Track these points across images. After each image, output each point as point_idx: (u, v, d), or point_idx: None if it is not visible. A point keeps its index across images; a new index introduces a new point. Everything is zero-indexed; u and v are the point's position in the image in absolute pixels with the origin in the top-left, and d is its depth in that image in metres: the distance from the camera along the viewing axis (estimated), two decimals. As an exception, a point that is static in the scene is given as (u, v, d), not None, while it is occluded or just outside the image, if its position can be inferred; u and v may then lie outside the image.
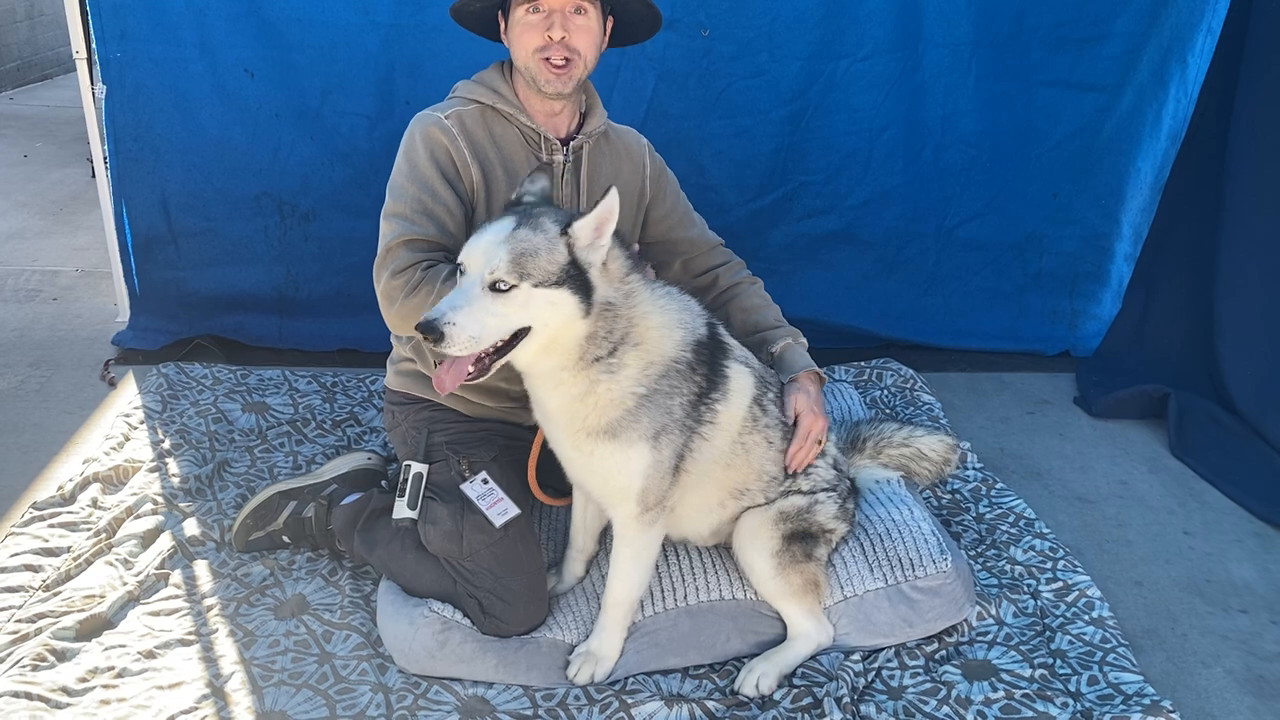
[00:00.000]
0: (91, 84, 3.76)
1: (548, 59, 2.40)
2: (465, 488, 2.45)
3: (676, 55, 3.88)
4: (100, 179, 3.92)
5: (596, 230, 2.01)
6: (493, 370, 2.03)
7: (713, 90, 3.97)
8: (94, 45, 3.68)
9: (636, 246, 2.52)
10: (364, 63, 3.78)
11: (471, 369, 2.02)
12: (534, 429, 2.52)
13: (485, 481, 2.47)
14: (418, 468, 2.50)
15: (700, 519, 2.46)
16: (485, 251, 1.97)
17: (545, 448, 2.46)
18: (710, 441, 2.29)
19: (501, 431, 2.63)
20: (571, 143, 2.56)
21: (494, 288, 1.95)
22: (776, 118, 4.03)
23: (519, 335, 2.01)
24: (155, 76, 3.73)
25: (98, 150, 3.86)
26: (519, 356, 2.05)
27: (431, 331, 1.91)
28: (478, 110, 2.50)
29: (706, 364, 2.24)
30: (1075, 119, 4.17)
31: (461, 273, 2.01)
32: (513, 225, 2.00)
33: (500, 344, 2.01)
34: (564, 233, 2.00)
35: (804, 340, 2.73)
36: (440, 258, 2.37)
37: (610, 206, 1.99)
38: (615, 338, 2.10)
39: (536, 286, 1.97)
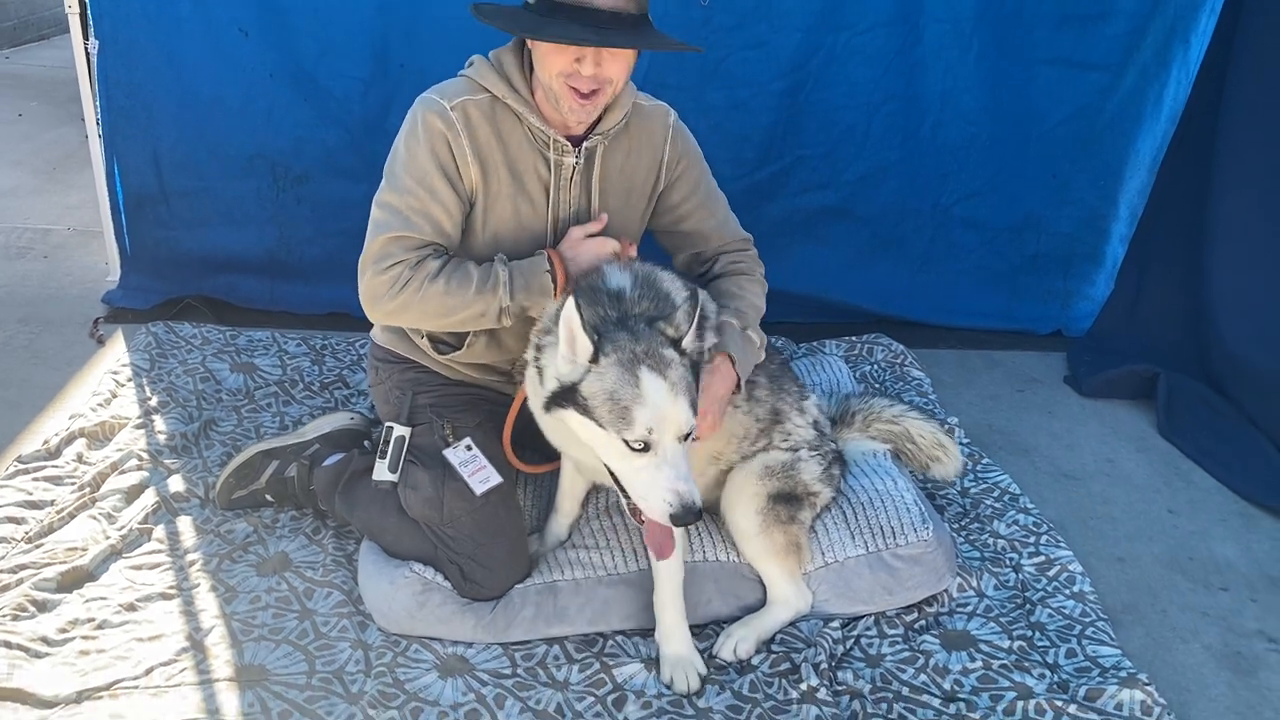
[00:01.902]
0: (85, 39, 3.73)
1: (573, 86, 2.23)
2: (448, 453, 2.43)
3: (674, 25, 3.74)
4: (91, 134, 3.89)
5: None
6: None
7: (711, 61, 3.92)
8: (87, -1, 3.65)
9: (634, 252, 2.40)
10: (359, 25, 3.73)
11: None
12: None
13: (469, 448, 2.46)
14: (400, 431, 2.48)
15: None
16: (675, 419, 1.94)
17: (520, 417, 2.45)
18: None
19: (486, 397, 2.61)
20: (585, 143, 2.39)
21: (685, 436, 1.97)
22: (775, 90, 3.99)
23: None
24: (148, 33, 3.69)
25: (89, 105, 3.83)
26: None
27: (693, 515, 1.92)
28: (488, 101, 2.33)
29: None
30: (1076, 99, 4.12)
31: (641, 448, 1.93)
32: (660, 377, 1.95)
33: None
34: (681, 350, 2.03)
35: (755, 335, 2.46)
36: (429, 252, 2.31)
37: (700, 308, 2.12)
38: None
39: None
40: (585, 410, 1.97)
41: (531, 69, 2.34)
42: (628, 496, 2.04)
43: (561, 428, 2.20)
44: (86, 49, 3.73)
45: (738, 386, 2.37)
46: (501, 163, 2.36)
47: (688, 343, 2.05)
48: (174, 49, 3.73)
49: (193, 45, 3.72)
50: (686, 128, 2.62)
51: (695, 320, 2.08)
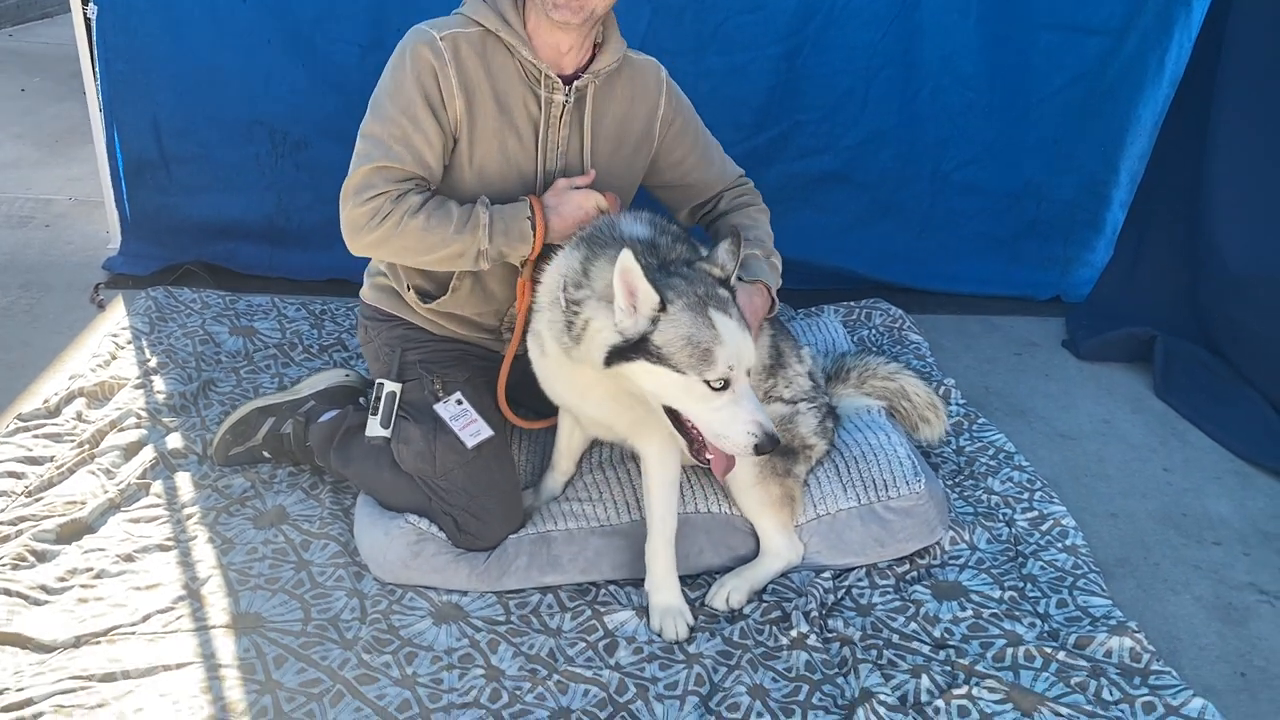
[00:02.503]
0: (84, 4, 3.73)
1: None
2: (439, 408, 2.45)
3: (672, -13, 3.83)
4: (91, 102, 3.90)
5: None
6: None
7: (709, 25, 3.91)
8: (84, -36, 3.66)
9: (619, 207, 2.39)
10: (357, -11, 3.74)
11: None
12: None
13: (460, 402, 2.47)
14: (390, 386, 2.50)
15: None
16: (748, 351, 2.00)
17: (514, 370, 2.47)
18: None
19: (475, 353, 2.62)
20: (575, 82, 2.40)
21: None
22: (773, 54, 3.97)
23: None
24: (148, -2, 3.71)
25: (88, 72, 3.84)
26: None
27: (775, 442, 1.97)
28: (479, 34, 2.34)
29: None
30: (1078, 64, 4.09)
31: (721, 387, 1.95)
32: (728, 316, 1.99)
33: None
34: (730, 289, 2.08)
35: (777, 261, 2.60)
36: (411, 186, 2.32)
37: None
38: None
39: None
40: (660, 359, 1.94)
41: (525, 5, 2.36)
42: (690, 440, 2.05)
43: (565, 381, 2.23)
44: (86, 15, 3.73)
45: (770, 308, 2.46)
46: (489, 96, 2.36)
47: (734, 280, 2.09)
48: (172, 15, 3.72)
49: (191, 11, 3.72)
50: (675, 82, 2.64)
51: (740, 258, 2.12)
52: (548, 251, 2.29)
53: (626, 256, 1.91)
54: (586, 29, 2.36)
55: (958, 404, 3.27)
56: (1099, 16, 4.01)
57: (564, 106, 2.41)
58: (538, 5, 2.30)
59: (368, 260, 2.71)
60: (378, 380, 2.54)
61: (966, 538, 2.60)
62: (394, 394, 2.50)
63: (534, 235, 2.31)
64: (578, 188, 2.39)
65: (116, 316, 3.58)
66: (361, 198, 2.29)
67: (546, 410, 2.55)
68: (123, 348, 3.31)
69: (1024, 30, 4.01)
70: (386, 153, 2.30)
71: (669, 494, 2.32)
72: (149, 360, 3.23)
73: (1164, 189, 3.98)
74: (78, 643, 2.12)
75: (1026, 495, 2.79)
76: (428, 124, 2.32)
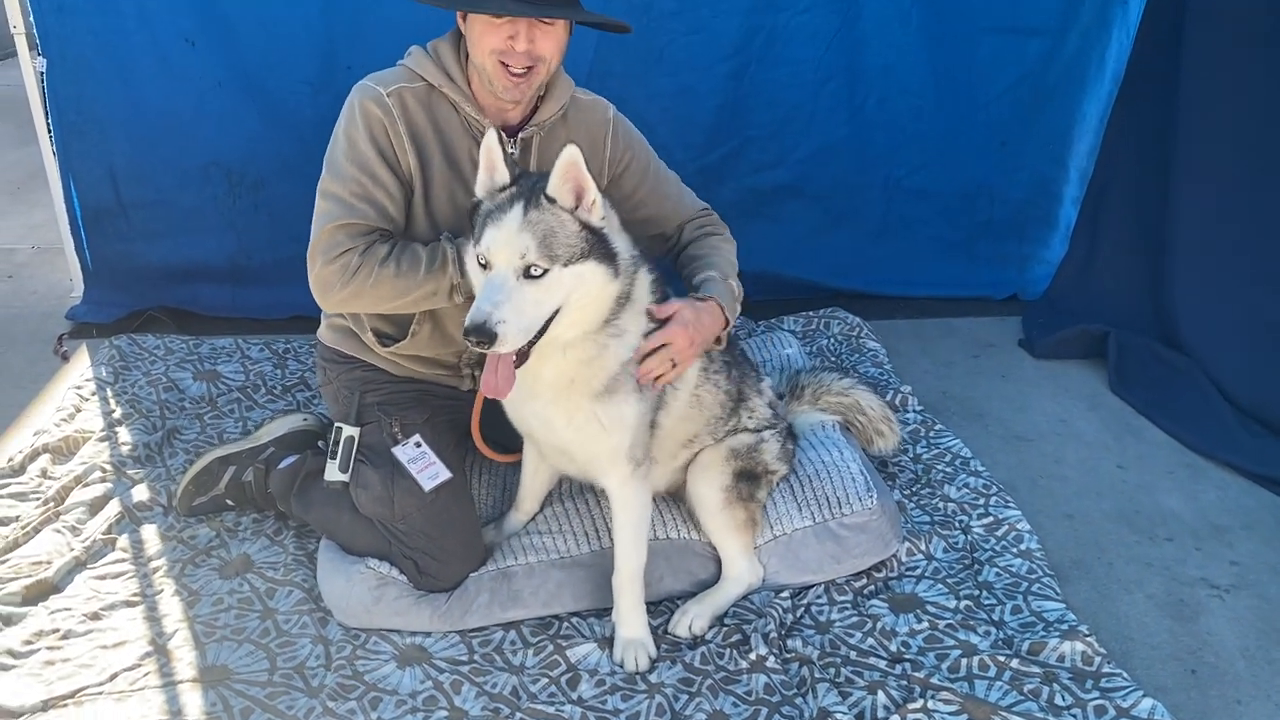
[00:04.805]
0: (32, 57, 3.75)
1: (506, 65, 2.28)
2: (397, 451, 2.47)
3: (617, 12, 3.81)
4: (45, 152, 3.92)
5: (573, 191, 2.03)
6: (530, 355, 2.04)
7: (655, 47, 3.96)
8: (32, 18, 3.67)
9: None
10: (304, 29, 3.76)
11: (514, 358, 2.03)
12: (470, 393, 2.56)
13: (418, 445, 2.49)
14: (349, 431, 2.52)
15: (657, 472, 2.49)
16: (509, 240, 1.97)
17: (487, 403, 2.50)
18: (679, 391, 2.36)
19: (435, 392, 2.65)
20: (520, 134, 2.44)
21: (528, 274, 1.97)
22: (719, 73, 4.03)
23: (552, 316, 2.03)
24: (95, 48, 3.71)
25: (41, 123, 3.86)
26: (554, 334, 2.05)
27: (483, 334, 1.90)
28: (424, 89, 2.38)
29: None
30: (1020, 65, 4.19)
31: (485, 266, 2.00)
32: (523, 211, 1.99)
33: None
34: (550, 199, 2.03)
35: (736, 285, 2.57)
36: (376, 238, 2.34)
37: (568, 163, 2.00)
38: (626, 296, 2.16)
39: (566, 266, 2.00)
40: (471, 224, 2.09)
41: (467, 58, 2.39)
42: None
43: (529, 409, 2.26)
44: (35, 67, 3.75)
45: (723, 334, 2.44)
46: (438, 150, 2.40)
47: (550, 193, 2.02)
48: (122, 63, 3.75)
49: (140, 58, 3.75)
50: (626, 118, 2.66)
51: (558, 174, 2.02)
52: None
53: (490, 135, 2.10)
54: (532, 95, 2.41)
55: (915, 411, 3.32)
56: (1038, 17, 4.10)
57: (511, 159, 2.43)
58: (482, 80, 2.34)
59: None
60: (336, 424, 2.56)
61: (923, 548, 2.65)
62: (352, 438, 2.53)
63: None
64: None
65: (80, 367, 3.59)
66: (329, 255, 2.31)
67: (513, 445, 2.58)
68: (87, 400, 3.33)
69: (965, 35, 4.09)
70: (349, 210, 2.32)
71: (636, 533, 2.33)
72: (113, 411, 3.25)
73: (1114, 183, 4.05)
74: (45, 707, 2.14)
75: (982, 501, 2.85)
76: (386, 178, 2.35)
